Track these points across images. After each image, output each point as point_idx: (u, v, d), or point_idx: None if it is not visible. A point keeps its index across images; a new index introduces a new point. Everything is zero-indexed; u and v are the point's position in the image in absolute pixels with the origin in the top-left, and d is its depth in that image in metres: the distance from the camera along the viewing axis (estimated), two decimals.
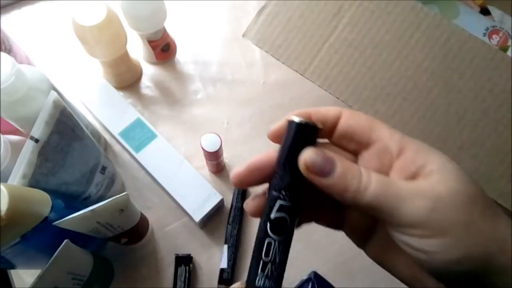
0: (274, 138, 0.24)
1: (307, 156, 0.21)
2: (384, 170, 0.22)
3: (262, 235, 0.22)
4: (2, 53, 0.37)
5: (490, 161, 0.38)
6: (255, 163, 0.23)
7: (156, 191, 0.51)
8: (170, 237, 0.49)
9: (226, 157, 0.52)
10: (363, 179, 0.20)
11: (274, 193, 0.22)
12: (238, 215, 0.49)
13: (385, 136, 0.22)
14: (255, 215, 0.23)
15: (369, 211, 0.20)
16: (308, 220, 0.25)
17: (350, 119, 0.23)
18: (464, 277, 0.20)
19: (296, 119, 0.22)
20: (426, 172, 0.21)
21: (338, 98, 0.40)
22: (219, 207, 0.50)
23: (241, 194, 0.50)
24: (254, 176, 0.23)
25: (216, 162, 0.49)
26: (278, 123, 0.23)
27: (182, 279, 0.45)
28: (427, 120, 0.39)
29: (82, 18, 0.43)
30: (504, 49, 0.54)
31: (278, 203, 0.22)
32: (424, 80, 0.39)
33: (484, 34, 0.55)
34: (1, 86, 0.36)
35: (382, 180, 0.20)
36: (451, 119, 0.39)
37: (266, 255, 0.22)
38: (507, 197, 0.38)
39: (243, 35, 0.41)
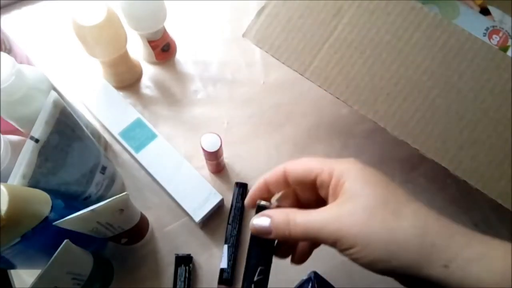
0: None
1: (252, 228, 0.29)
2: (328, 195, 0.29)
3: None
4: (2, 53, 0.37)
5: (490, 161, 0.38)
6: (264, 182, 0.32)
7: (156, 191, 0.51)
8: (170, 237, 0.49)
9: (226, 157, 0.52)
10: (290, 226, 0.28)
11: (254, 261, 0.30)
12: (238, 215, 0.49)
13: (318, 171, 0.29)
14: (251, 206, 0.32)
15: (305, 240, 0.31)
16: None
17: (291, 172, 0.31)
18: (396, 271, 0.25)
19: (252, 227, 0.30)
20: (341, 194, 0.28)
21: (338, 98, 0.40)
22: (219, 207, 0.50)
23: (241, 194, 0.50)
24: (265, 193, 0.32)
25: (216, 162, 0.49)
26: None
27: (182, 279, 0.45)
28: (427, 120, 0.39)
29: (82, 18, 0.43)
30: (504, 49, 0.54)
31: (259, 268, 0.30)
32: (424, 80, 0.39)
33: (484, 34, 0.55)
34: (1, 86, 0.36)
35: (304, 219, 0.28)
36: (451, 119, 0.39)
37: None
38: (507, 197, 0.38)
39: (243, 35, 0.41)
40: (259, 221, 0.29)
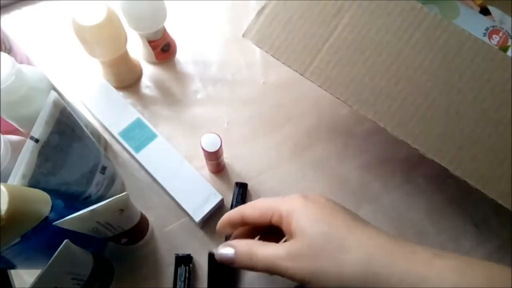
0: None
1: (218, 256, 0.32)
2: (284, 232, 0.32)
3: None
4: (2, 53, 0.37)
5: (490, 161, 0.38)
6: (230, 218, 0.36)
7: (156, 191, 0.51)
8: (170, 237, 0.49)
9: (226, 157, 0.52)
10: (252, 259, 0.30)
11: None
12: None
13: (270, 212, 0.32)
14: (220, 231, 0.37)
15: (267, 273, 0.32)
16: None
17: (249, 217, 0.34)
18: None
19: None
20: (292, 233, 0.30)
21: (338, 98, 0.40)
22: (219, 207, 0.50)
23: (241, 194, 0.50)
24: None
25: (216, 162, 0.49)
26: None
27: (182, 279, 0.45)
28: (427, 120, 0.39)
29: (82, 18, 0.43)
30: (504, 49, 0.54)
31: None
32: (424, 80, 0.39)
33: (484, 34, 0.55)
34: (1, 86, 0.36)
35: (264, 254, 0.30)
36: (451, 119, 0.39)
37: None
38: (507, 197, 0.38)
39: (243, 35, 0.41)
40: (224, 250, 0.32)
